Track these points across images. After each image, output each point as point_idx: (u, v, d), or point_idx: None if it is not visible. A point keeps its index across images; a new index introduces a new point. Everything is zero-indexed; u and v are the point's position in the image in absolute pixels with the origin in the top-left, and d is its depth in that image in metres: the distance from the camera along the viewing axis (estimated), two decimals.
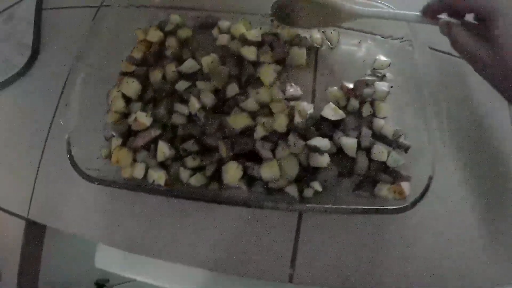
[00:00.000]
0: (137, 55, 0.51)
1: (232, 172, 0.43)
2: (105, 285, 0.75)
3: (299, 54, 0.49)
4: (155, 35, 0.52)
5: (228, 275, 0.45)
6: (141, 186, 0.45)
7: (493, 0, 0.32)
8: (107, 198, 0.49)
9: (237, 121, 0.45)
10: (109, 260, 0.54)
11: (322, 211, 0.43)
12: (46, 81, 0.58)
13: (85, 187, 0.49)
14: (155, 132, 0.45)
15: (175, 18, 0.53)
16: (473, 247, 0.45)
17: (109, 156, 0.47)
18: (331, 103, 0.47)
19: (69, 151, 0.45)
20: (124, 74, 0.51)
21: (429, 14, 0.38)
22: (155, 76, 0.49)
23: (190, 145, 0.45)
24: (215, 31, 0.52)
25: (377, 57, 0.51)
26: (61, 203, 0.50)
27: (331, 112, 0.47)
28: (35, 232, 0.54)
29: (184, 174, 0.45)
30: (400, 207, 0.41)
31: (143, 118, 0.46)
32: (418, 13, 0.39)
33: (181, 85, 0.47)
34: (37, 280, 0.56)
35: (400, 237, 0.45)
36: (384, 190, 0.44)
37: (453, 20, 0.37)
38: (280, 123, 0.44)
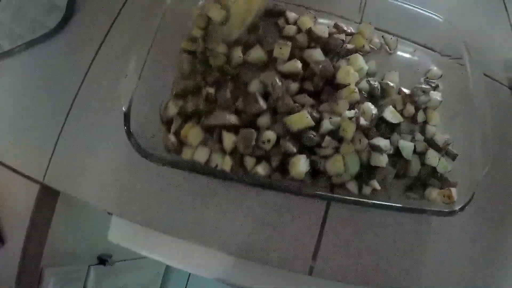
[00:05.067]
0: (197, 33, 0.49)
1: (300, 165, 0.43)
2: (107, 261, 0.73)
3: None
4: (217, 13, 0.49)
5: (248, 261, 0.45)
6: (202, 169, 0.44)
7: None
8: (130, 169, 0.47)
9: (296, 121, 0.44)
10: (123, 235, 0.52)
11: (376, 207, 0.45)
12: (78, 46, 0.55)
13: (107, 155, 0.48)
14: (231, 119, 0.43)
15: None
16: (487, 255, 0.49)
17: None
18: (390, 106, 0.49)
19: (127, 126, 0.42)
20: (185, 51, 0.48)
21: None
22: (218, 59, 0.48)
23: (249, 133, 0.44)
24: (281, 21, 0.52)
25: (431, 68, 0.53)
26: (80, 170, 0.48)
27: (390, 114, 0.48)
28: (47, 199, 0.52)
29: (249, 161, 0.44)
30: (450, 210, 0.44)
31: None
32: None
33: (253, 86, 0.47)
34: (43, 248, 0.54)
35: (417, 241, 0.47)
36: (434, 193, 0.47)
37: None
38: (349, 131, 0.45)
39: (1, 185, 0.53)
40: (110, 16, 0.55)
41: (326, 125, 0.45)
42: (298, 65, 0.47)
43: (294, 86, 0.47)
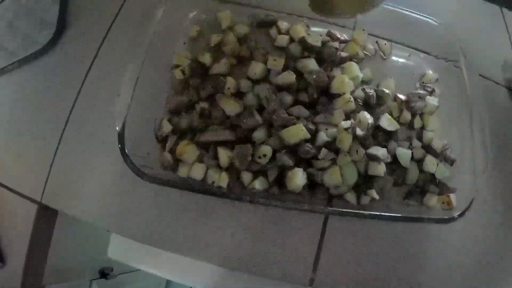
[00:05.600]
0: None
1: (297, 179, 0.43)
2: (109, 274, 0.74)
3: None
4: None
5: (249, 275, 0.45)
6: (198, 187, 0.44)
7: None
8: (127, 187, 0.47)
9: (291, 134, 0.43)
10: (123, 251, 0.53)
11: (374, 218, 0.45)
12: (70, 62, 0.55)
13: (103, 173, 0.48)
14: (226, 134, 0.43)
15: (225, 15, 0.52)
16: (483, 265, 0.48)
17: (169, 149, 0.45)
18: (386, 113, 0.48)
19: (122, 145, 0.42)
20: (177, 67, 0.48)
21: None
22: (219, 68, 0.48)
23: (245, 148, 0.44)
24: (273, 31, 0.51)
25: (427, 72, 0.53)
26: (77, 189, 0.48)
27: (387, 122, 0.48)
28: (46, 218, 0.52)
29: (246, 177, 0.44)
30: (449, 217, 0.44)
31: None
32: None
33: (248, 99, 0.46)
34: (44, 266, 0.54)
35: (418, 248, 0.47)
36: (433, 200, 0.47)
37: None
38: (346, 143, 0.44)
39: (0, 205, 0.52)
40: (101, 31, 0.55)
41: (322, 137, 0.44)
42: (292, 76, 0.46)
43: (288, 98, 0.46)
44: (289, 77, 0.46)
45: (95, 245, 0.60)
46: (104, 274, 0.71)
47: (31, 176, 0.50)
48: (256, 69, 0.47)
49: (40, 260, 0.53)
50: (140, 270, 0.53)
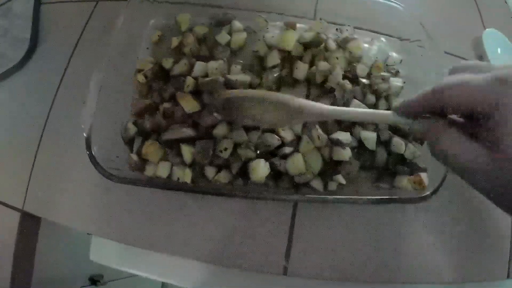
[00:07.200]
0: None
1: (260, 170, 0.43)
2: (99, 281, 0.75)
3: None
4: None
5: (224, 267, 0.46)
6: (164, 184, 0.45)
7: (499, 93, 0.24)
8: (102, 190, 0.48)
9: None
10: (104, 253, 0.53)
11: (349, 202, 0.44)
12: (43, 75, 0.57)
13: (80, 179, 0.49)
14: (187, 132, 0.44)
15: (184, 17, 0.53)
16: (463, 244, 0.48)
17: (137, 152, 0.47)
18: (355, 100, 0.48)
19: (89, 150, 0.44)
20: (140, 71, 0.50)
21: (407, 113, 0.32)
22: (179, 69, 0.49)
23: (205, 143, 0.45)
24: (226, 29, 0.52)
25: (390, 54, 0.53)
26: (56, 195, 0.50)
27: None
28: (30, 225, 0.54)
29: (209, 171, 0.45)
30: (421, 196, 0.43)
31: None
32: (392, 112, 0.33)
33: (206, 97, 0.47)
34: (31, 275, 0.55)
35: (394, 231, 0.47)
36: (404, 181, 0.46)
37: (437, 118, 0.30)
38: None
39: None
40: (71, 44, 0.57)
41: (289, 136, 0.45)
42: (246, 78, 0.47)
43: None
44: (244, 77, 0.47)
45: (83, 252, 0.61)
46: (94, 281, 0.72)
47: (13, 185, 0.52)
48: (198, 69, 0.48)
49: (27, 269, 0.54)
50: (130, 276, 0.54)
